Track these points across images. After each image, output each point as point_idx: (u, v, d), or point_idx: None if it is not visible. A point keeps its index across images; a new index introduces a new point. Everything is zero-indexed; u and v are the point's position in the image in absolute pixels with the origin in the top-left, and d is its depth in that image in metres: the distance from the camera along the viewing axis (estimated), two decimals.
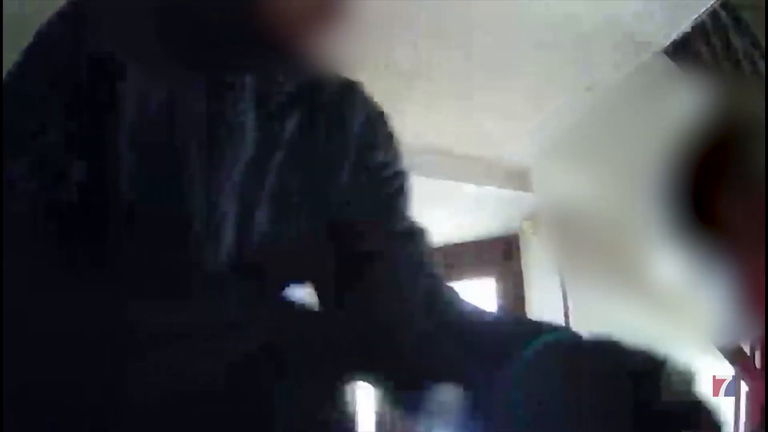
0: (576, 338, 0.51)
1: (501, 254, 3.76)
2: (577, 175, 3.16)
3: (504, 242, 3.78)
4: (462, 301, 0.69)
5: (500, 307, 3.72)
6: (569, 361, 0.47)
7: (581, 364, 0.46)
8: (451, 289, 0.71)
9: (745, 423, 2.12)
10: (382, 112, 0.77)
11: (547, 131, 2.95)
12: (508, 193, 3.34)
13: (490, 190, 3.27)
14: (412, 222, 0.75)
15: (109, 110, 0.57)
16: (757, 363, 2.07)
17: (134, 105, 0.58)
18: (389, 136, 0.77)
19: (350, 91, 0.75)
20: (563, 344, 0.50)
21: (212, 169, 0.62)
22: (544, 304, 3.47)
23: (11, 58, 0.58)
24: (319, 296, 0.71)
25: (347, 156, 0.72)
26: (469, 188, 3.20)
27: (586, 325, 3.23)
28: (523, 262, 3.71)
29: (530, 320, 0.68)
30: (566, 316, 3.26)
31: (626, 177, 2.91)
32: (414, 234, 0.74)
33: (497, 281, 3.79)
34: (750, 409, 2.06)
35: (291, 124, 0.68)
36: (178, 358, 0.45)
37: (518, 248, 3.74)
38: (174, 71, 0.61)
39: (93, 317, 0.48)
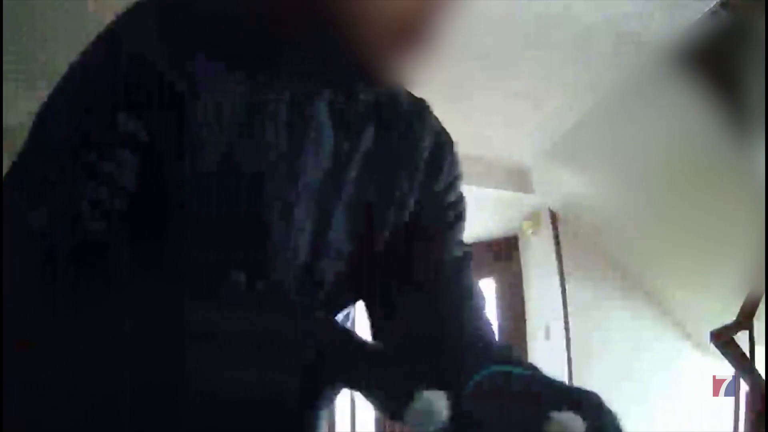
0: (522, 375, 0.51)
1: (501, 254, 3.77)
2: (577, 175, 3.16)
3: (504, 242, 3.79)
4: (492, 333, 0.71)
5: (499, 309, 3.73)
6: (494, 395, 0.47)
7: (503, 402, 0.46)
8: (488, 321, 0.72)
9: (745, 423, 2.13)
10: (449, 135, 0.78)
11: (547, 131, 2.95)
12: (508, 194, 3.34)
13: (490, 191, 3.27)
14: (464, 248, 0.76)
15: (177, 120, 0.57)
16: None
17: (210, 115, 0.58)
18: (454, 161, 0.78)
19: (421, 109, 0.76)
20: (500, 378, 0.50)
21: (291, 181, 0.62)
22: (543, 304, 3.48)
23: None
24: (369, 314, 0.73)
25: (417, 175, 0.73)
26: (469, 188, 3.20)
27: (585, 325, 3.23)
28: (522, 262, 3.72)
29: (504, 350, 0.68)
30: (566, 316, 3.27)
31: (626, 176, 2.92)
32: (463, 260, 0.74)
33: (497, 281, 3.80)
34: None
35: (367, 139, 0.68)
36: (217, 365, 0.46)
37: (518, 248, 3.75)
38: (250, 84, 0.61)
39: (159, 324, 0.48)
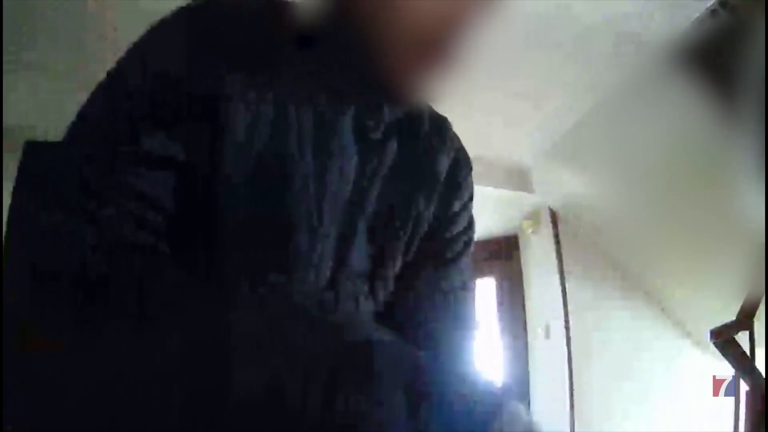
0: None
1: (501, 253, 3.77)
2: (577, 175, 3.16)
3: (504, 241, 3.79)
4: (470, 365, 0.73)
5: (499, 308, 3.73)
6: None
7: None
8: (470, 351, 0.74)
9: (745, 423, 2.13)
10: (467, 154, 0.80)
11: (547, 131, 2.95)
12: (508, 193, 3.34)
13: (490, 190, 3.27)
14: (467, 277, 0.76)
15: (211, 130, 0.57)
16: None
17: (239, 129, 0.58)
18: (470, 181, 0.80)
19: (442, 126, 0.77)
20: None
21: (318, 199, 0.63)
22: (543, 303, 3.48)
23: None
24: None
25: (436, 189, 0.74)
26: None
27: (585, 324, 3.23)
28: (523, 261, 3.72)
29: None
30: (566, 315, 3.27)
31: (626, 176, 2.92)
32: (459, 290, 0.75)
33: (497, 280, 3.80)
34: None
35: (389, 155, 0.69)
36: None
37: (518, 247, 3.75)
38: (279, 97, 0.61)
39: (200, 335, 0.48)
